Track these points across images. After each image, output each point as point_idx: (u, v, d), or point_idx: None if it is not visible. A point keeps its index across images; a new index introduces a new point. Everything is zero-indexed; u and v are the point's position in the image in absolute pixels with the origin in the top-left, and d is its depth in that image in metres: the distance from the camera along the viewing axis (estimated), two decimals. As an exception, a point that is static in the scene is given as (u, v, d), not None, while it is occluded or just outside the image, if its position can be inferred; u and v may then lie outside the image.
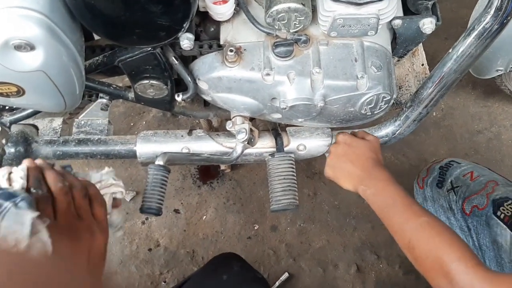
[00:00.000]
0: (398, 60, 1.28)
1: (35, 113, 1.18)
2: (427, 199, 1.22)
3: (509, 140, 1.72)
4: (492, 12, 0.91)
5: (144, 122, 1.77)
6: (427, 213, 0.92)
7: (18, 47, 0.79)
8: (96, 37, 1.01)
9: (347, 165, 1.05)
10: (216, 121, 1.39)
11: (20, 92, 0.89)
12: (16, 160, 1.21)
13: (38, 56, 0.81)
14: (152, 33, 0.92)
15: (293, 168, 1.17)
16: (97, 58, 1.06)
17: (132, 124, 1.76)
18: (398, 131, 1.22)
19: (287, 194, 1.13)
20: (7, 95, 0.91)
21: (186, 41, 0.98)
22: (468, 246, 0.84)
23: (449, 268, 0.79)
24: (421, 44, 1.31)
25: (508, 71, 1.42)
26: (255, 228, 1.60)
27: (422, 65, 1.36)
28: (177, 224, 1.60)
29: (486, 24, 0.94)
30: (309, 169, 1.69)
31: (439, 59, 1.07)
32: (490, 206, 1.08)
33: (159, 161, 1.04)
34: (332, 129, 1.25)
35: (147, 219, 1.62)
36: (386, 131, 1.23)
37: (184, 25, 0.92)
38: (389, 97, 1.08)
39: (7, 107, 1.18)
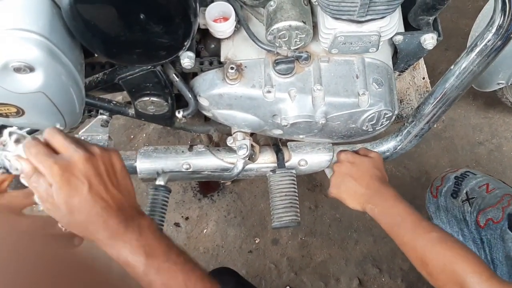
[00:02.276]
0: (399, 74, 1.28)
1: (35, 130, 1.17)
2: (440, 209, 1.21)
3: (511, 152, 1.72)
4: (494, 30, 0.91)
5: (144, 135, 1.76)
6: (437, 228, 0.92)
7: (17, 69, 0.78)
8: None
9: (352, 184, 1.05)
10: (217, 136, 1.38)
11: (19, 112, 0.89)
12: (15, 178, 1.20)
13: (37, 77, 0.81)
14: (153, 52, 0.91)
15: (294, 184, 1.17)
16: (97, 75, 1.05)
17: (132, 136, 1.75)
18: (400, 146, 1.21)
19: (288, 211, 1.12)
20: (6, 116, 0.90)
21: (187, 59, 0.97)
22: (481, 259, 0.84)
23: (464, 281, 0.80)
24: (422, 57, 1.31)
25: (509, 84, 1.42)
26: (256, 241, 1.60)
27: (423, 78, 1.35)
28: (177, 238, 1.59)
29: (488, 41, 0.94)
30: (310, 181, 1.68)
31: (439, 70, 1.07)
32: (506, 220, 1.07)
33: (160, 181, 1.04)
34: (333, 144, 1.25)
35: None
36: (387, 146, 1.22)
37: (185, 44, 0.92)
38: (391, 114, 1.07)
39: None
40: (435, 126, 1.76)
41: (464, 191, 1.17)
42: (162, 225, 1.00)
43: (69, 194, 0.63)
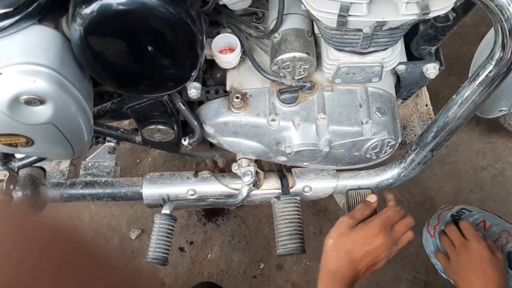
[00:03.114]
0: (402, 102, 1.30)
1: (43, 158, 1.19)
2: (439, 249, 1.21)
3: (514, 177, 1.73)
4: (494, 62, 0.93)
5: (150, 159, 1.78)
6: None
7: (28, 102, 0.80)
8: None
9: (341, 251, 0.99)
10: (222, 161, 1.40)
11: (29, 142, 0.91)
12: (23, 204, 1.22)
13: (48, 109, 0.83)
14: (161, 83, 0.94)
15: (299, 211, 1.17)
16: (105, 104, 1.07)
17: (138, 160, 1.77)
18: (403, 174, 1.22)
19: (293, 238, 1.13)
20: (16, 146, 0.92)
21: (194, 90, 0.99)
22: None
23: None
24: (424, 85, 1.33)
25: (511, 111, 1.43)
26: (261, 266, 1.60)
27: (426, 105, 1.37)
28: (182, 263, 1.59)
29: (489, 73, 0.95)
30: (314, 206, 1.69)
31: (442, 95, 1.08)
32: (505, 259, 1.07)
33: (166, 210, 1.05)
34: (338, 170, 1.26)
35: (152, 257, 1.62)
36: (391, 173, 1.23)
37: (192, 75, 0.94)
38: (394, 142, 1.08)
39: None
40: (438, 151, 1.77)
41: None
42: (168, 254, 1.01)
43: None
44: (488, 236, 1.12)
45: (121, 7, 0.77)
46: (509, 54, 0.91)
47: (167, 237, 1.02)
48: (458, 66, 1.80)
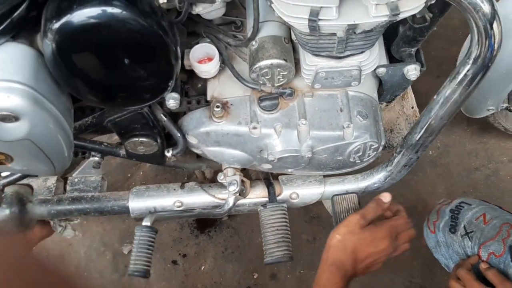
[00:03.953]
0: (387, 105, 1.29)
1: (28, 175, 1.19)
2: (440, 244, 1.19)
3: (508, 176, 1.71)
4: (471, 61, 0.92)
5: (141, 173, 1.78)
6: None
7: (2, 119, 0.80)
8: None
9: (348, 249, 0.99)
10: (209, 172, 1.39)
11: (8, 159, 0.91)
12: (11, 222, 1.21)
13: (23, 125, 0.83)
14: (138, 95, 0.94)
15: (286, 218, 1.17)
16: (86, 119, 1.07)
17: (129, 175, 1.77)
18: (390, 177, 1.21)
19: (280, 245, 1.12)
20: (-4, 162, 0.92)
21: (172, 100, 0.99)
22: None
23: None
24: (410, 87, 1.32)
25: (499, 109, 1.42)
26: (255, 276, 1.58)
27: (412, 107, 1.36)
28: (175, 276, 1.58)
29: (467, 71, 0.95)
30: (307, 213, 1.68)
31: (432, 97, 1.07)
32: (508, 253, 1.06)
33: (146, 222, 1.05)
34: (324, 176, 1.25)
35: (146, 271, 1.61)
36: (378, 177, 1.22)
37: (169, 85, 0.94)
38: (377, 145, 1.08)
39: None
40: (430, 153, 1.77)
41: (462, 225, 1.15)
42: (149, 266, 1.00)
43: None
44: (489, 230, 1.10)
45: (91, 20, 0.78)
46: (486, 52, 0.91)
47: (148, 249, 1.02)
48: (447, 67, 1.79)
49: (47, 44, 0.81)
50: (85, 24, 0.78)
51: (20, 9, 0.81)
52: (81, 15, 0.77)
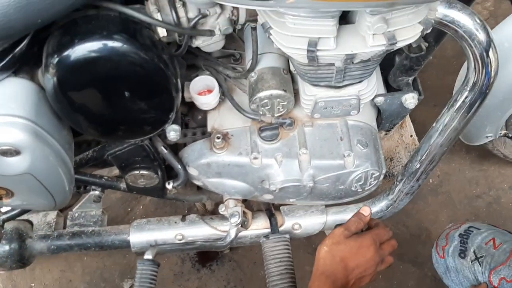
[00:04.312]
0: (386, 134, 1.30)
1: (28, 210, 1.18)
2: (450, 270, 1.18)
3: (509, 203, 1.70)
4: (469, 88, 0.94)
5: (141, 207, 1.76)
6: None
7: (3, 153, 0.80)
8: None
9: (336, 258, 0.99)
10: (210, 204, 1.39)
11: (9, 194, 0.90)
12: (10, 258, 1.20)
13: (24, 160, 0.83)
14: (138, 128, 0.94)
15: (288, 249, 1.16)
16: (87, 153, 1.08)
17: (129, 209, 1.76)
18: (392, 205, 1.21)
19: (284, 277, 1.11)
20: (-3, 197, 0.92)
21: (173, 132, 1.00)
22: None
23: None
24: (408, 115, 1.33)
25: (497, 136, 1.43)
26: (258, 311, 1.56)
27: (411, 136, 1.37)
28: (177, 312, 1.56)
29: (465, 98, 0.96)
30: (309, 244, 1.66)
31: (429, 126, 1.08)
32: None
33: (148, 255, 1.04)
34: (326, 206, 1.25)
35: (146, 307, 1.58)
36: (380, 205, 1.22)
37: (170, 117, 0.95)
38: (378, 173, 1.08)
39: None
40: (430, 181, 1.76)
41: (472, 250, 1.14)
42: (151, 301, 0.99)
43: None
44: (499, 254, 1.09)
45: (92, 54, 0.79)
46: (483, 79, 0.92)
47: (150, 283, 1.00)
48: (443, 97, 1.80)
49: (48, 79, 0.81)
50: (86, 58, 0.79)
51: (22, 44, 0.82)
52: (83, 49, 0.78)
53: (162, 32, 0.85)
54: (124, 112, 0.89)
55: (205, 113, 1.11)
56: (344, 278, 0.97)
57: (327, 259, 0.99)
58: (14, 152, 0.81)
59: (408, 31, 0.83)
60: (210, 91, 1.04)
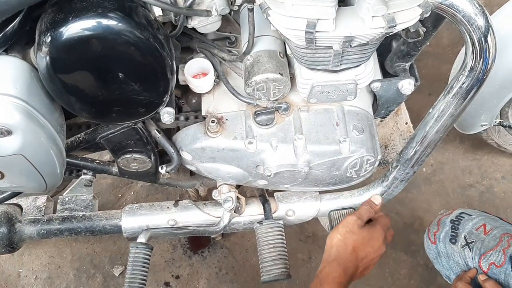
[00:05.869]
0: (381, 120, 1.29)
1: (17, 194, 1.16)
2: (441, 255, 1.18)
3: (502, 193, 1.71)
4: (466, 72, 0.93)
5: (132, 193, 1.75)
6: None
7: (-6, 133, 0.78)
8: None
9: (349, 247, 1.03)
10: (203, 190, 1.37)
11: (-1, 175, 0.89)
12: (-1, 242, 1.18)
13: (15, 140, 0.81)
14: (132, 109, 0.92)
15: (282, 235, 1.15)
16: (79, 135, 1.06)
17: (120, 195, 1.74)
18: (387, 192, 1.21)
19: (277, 263, 1.10)
20: (-13, 179, 0.90)
21: (167, 115, 0.98)
22: None
23: None
24: (403, 102, 1.32)
25: (492, 125, 1.43)
26: (250, 298, 1.55)
27: (406, 123, 1.36)
28: (168, 298, 1.55)
29: (462, 84, 0.95)
30: (302, 232, 1.66)
31: (424, 115, 1.07)
32: (508, 263, 1.05)
33: (141, 239, 1.03)
34: (320, 192, 1.24)
35: (137, 293, 1.57)
36: (374, 192, 1.21)
37: (164, 100, 0.93)
38: (373, 159, 1.07)
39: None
40: (424, 170, 1.76)
41: (463, 236, 1.15)
42: (144, 285, 0.98)
43: None
44: (489, 240, 1.10)
45: (86, 32, 0.77)
46: (481, 65, 0.91)
47: (143, 267, 0.99)
48: (438, 85, 1.80)
49: (41, 57, 0.79)
50: (80, 36, 0.77)
51: (14, 22, 0.80)
52: (77, 27, 0.76)
53: (157, 11, 0.84)
54: (118, 93, 0.87)
55: (199, 96, 1.09)
56: (354, 267, 1.01)
57: (340, 247, 1.02)
58: (5, 132, 0.79)
59: (407, 14, 0.82)
60: (205, 74, 1.02)
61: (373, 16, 0.80)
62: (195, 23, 0.91)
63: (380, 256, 1.06)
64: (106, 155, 1.45)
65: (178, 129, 1.13)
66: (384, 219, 1.10)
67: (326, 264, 1.01)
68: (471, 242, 1.13)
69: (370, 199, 1.11)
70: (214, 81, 1.04)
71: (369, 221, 1.11)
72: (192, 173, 1.28)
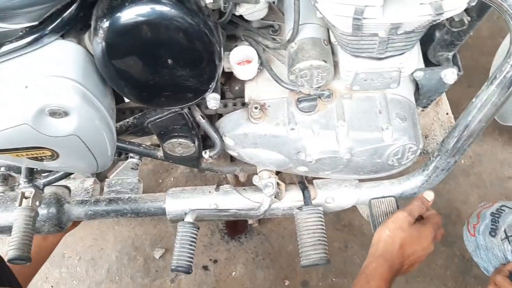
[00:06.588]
0: (423, 110, 1.29)
1: (67, 175, 1.22)
2: (479, 248, 1.18)
3: (541, 186, 1.69)
4: (511, 62, 0.92)
5: (172, 179, 1.79)
6: None
7: (52, 114, 0.83)
8: (126, 99, 1.05)
9: (397, 243, 1.04)
10: (243, 176, 1.40)
11: (54, 156, 0.93)
12: (48, 222, 1.24)
13: (72, 121, 0.85)
14: (180, 95, 0.95)
15: (322, 221, 1.16)
16: (127, 120, 1.10)
17: (160, 181, 1.79)
18: (427, 181, 1.21)
19: (317, 248, 1.12)
20: (41, 159, 0.94)
21: (213, 100, 1.01)
22: None
23: None
24: (444, 93, 1.32)
25: (534, 117, 1.41)
26: (286, 284, 1.58)
27: (447, 114, 1.36)
28: (206, 281, 1.59)
29: (507, 73, 0.95)
30: (338, 221, 1.67)
31: (463, 107, 1.07)
32: None
33: (188, 219, 1.06)
34: (360, 180, 1.25)
35: (176, 276, 1.62)
36: (415, 181, 1.22)
37: (211, 86, 0.96)
38: (416, 148, 1.07)
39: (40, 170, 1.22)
40: (462, 162, 1.75)
41: (503, 229, 1.15)
42: (191, 262, 1.01)
43: None
44: None
45: (140, 18, 0.80)
46: (528, 51, 0.90)
47: (190, 245, 1.02)
48: (478, 77, 1.78)
49: (97, 42, 0.83)
50: (134, 21, 0.80)
51: (71, 8, 0.84)
52: (132, 13, 0.79)
53: (208, -2, 0.86)
54: (168, 78, 0.90)
55: (242, 83, 1.12)
56: (399, 264, 1.01)
57: (388, 243, 1.03)
58: (63, 113, 0.83)
59: (454, 2, 0.82)
60: (249, 62, 1.04)
61: (420, 4, 0.81)
62: (243, 10, 0.93)
63: (427, 254, 1.06)
64: (147, 141, 1.50)
65: (219, 115, 1.16)
66: (436, 218, 1.09)
67: (373, 259, 1.01)
68: (511, 236, 1.13)
69: (421, 195, 1.09)
70: (258, 68, 1.06)
71: (420, 218, 1.10)
72: (232, 158, 1.30)
